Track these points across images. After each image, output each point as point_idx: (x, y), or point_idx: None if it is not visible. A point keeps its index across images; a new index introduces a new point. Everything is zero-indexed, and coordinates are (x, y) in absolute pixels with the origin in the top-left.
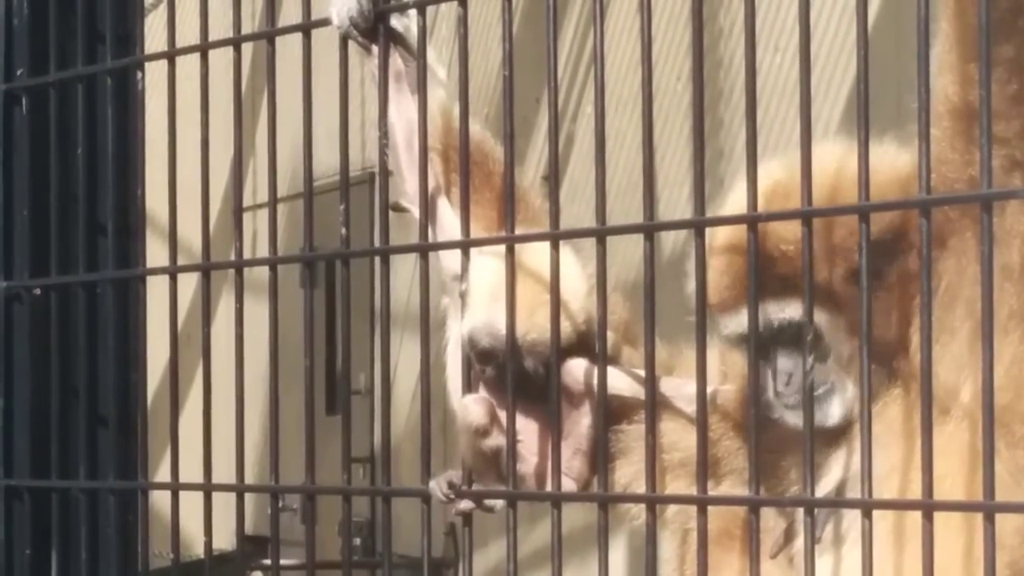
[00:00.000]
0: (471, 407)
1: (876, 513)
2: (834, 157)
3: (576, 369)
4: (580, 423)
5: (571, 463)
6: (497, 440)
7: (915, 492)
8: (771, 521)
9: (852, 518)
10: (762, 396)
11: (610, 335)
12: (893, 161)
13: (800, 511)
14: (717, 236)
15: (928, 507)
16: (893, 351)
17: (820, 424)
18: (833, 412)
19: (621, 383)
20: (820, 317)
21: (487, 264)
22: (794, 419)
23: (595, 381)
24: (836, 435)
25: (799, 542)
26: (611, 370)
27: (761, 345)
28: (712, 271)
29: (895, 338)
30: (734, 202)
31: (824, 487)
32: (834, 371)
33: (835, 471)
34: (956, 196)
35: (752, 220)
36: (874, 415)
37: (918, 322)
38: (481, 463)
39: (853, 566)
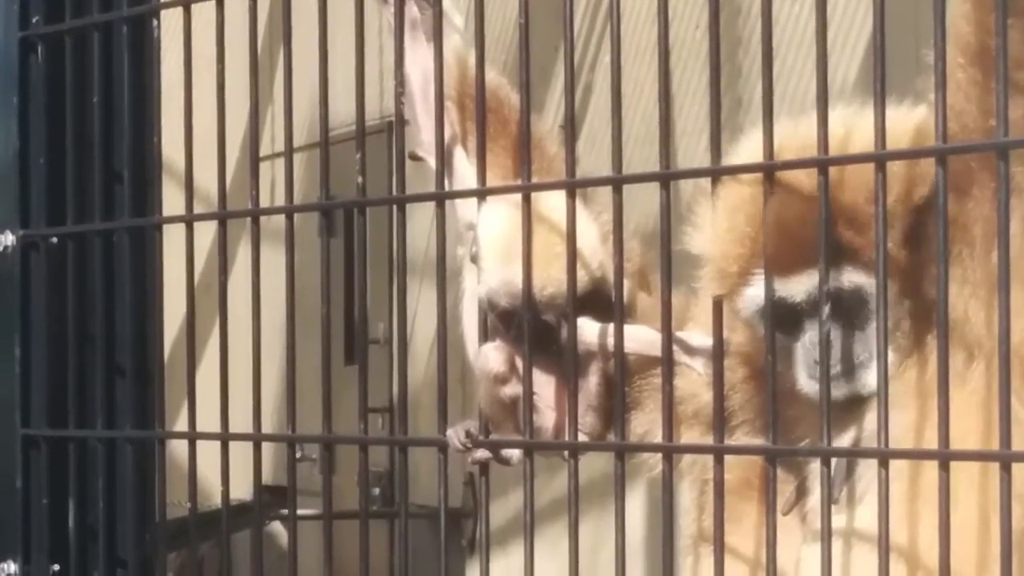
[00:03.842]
0: (490, 354)
1: (891, 475)
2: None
3: (583, 329)
4: (590, 381)
5: (584, 419)
6: (515, 388)
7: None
8: (782, 477)
9: (867, 480)
10: (790, 370)
11: (625, 283)
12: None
13: (814, 467)
14: (732, 210)
15: (944, 456)
16: (929, 307)
17: (858, 392)
18: (871, 381)
19: (629, 342)
20: (868, 281)
21: (496, 216)
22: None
23: (606, 340)
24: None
25: (812, 499)
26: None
27: (795, 318)
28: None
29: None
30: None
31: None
32: (875, 339)
33: (850, 430)
34: (972, 144)
35: (768, 168)
36: (894, 377)
37: (953, 272)
38: (499, 411)
39: (868, 526)
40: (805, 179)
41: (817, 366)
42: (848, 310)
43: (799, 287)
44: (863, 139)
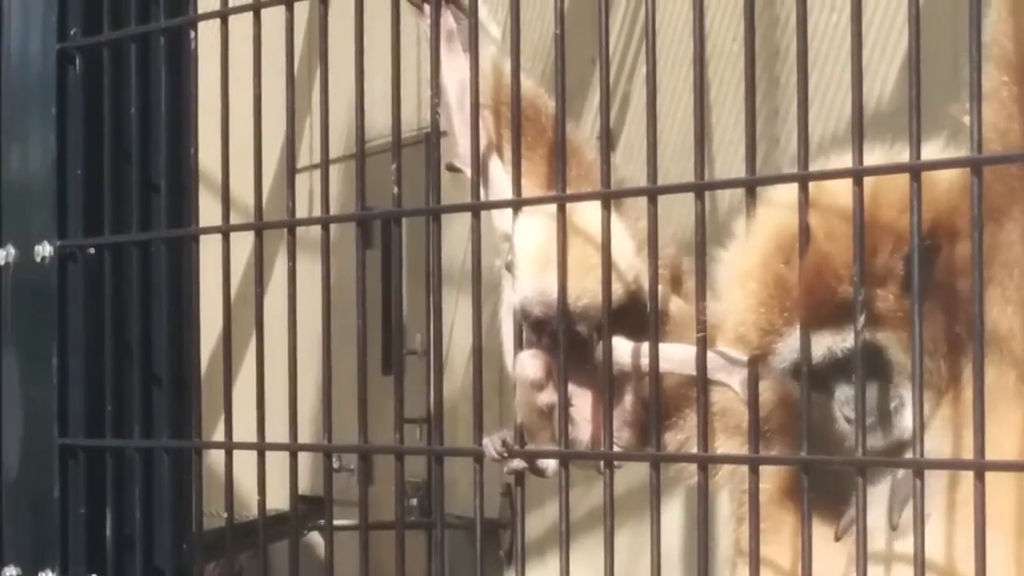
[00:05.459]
0: (527, 362)
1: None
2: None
3: (617, 349)
4: (624, 399)
5: (620, 434)
6: (552, 396)
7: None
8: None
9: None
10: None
11: (660, 288)
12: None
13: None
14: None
15: (980, 467)
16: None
17: (899, 439)
18: (907, 424)
19: (664, 362)
20: (882, 336)
21: (532, 226)
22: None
23: (639, 361)
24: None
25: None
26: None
27: (819, 377)
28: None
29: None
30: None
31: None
32: (902, 384)
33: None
34: (1007, 156)
35: (803, 179)
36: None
37: (995, 293)
38: (535, 420)
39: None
40: (818, 237)
41: (851, 423)
42: (869, 367)
43: (817, 348)
44: (896, 184)
